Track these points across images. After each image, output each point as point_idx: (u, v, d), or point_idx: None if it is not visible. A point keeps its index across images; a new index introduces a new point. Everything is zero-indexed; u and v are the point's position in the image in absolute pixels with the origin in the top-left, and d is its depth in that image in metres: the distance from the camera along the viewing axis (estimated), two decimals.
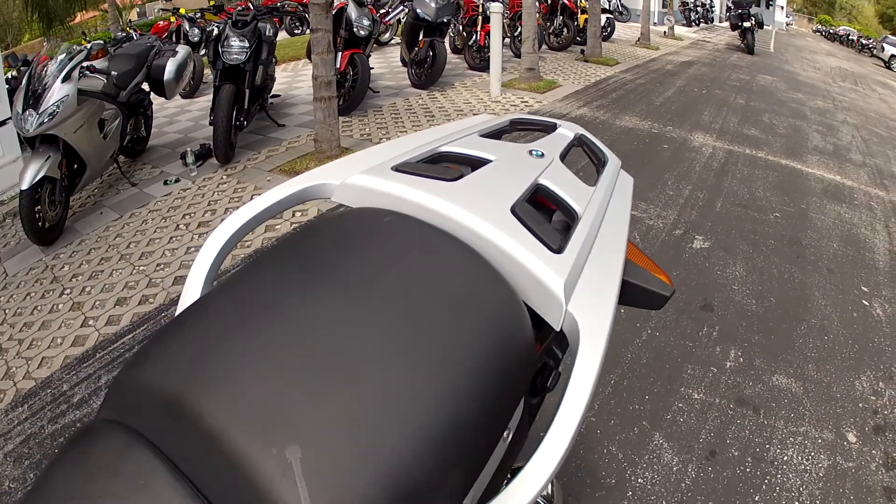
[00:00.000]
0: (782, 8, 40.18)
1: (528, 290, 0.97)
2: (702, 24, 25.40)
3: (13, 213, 5.27)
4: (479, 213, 1.04)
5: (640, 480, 2.25)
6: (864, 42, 33.38)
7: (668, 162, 5.86)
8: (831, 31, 41.21)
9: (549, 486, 1.23)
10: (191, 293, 1.05)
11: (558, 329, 0.95)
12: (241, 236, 1.14)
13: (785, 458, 2.42)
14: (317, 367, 0.78)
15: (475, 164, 1.23)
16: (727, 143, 6.71)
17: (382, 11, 9.22)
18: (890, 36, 31.08)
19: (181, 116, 7.93)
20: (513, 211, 1.06)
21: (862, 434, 2.59)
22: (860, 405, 2.77)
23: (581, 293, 0.97)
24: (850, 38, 35.74)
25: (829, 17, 53.92)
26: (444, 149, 1.30)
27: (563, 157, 1.34)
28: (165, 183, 5.49)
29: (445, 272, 0.95)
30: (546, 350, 1.07)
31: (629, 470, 2.29)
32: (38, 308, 3.70)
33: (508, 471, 0.85)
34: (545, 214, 1.15)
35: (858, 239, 4.67)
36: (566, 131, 1.47)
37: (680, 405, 2.66)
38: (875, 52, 29.79)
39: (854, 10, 56.89)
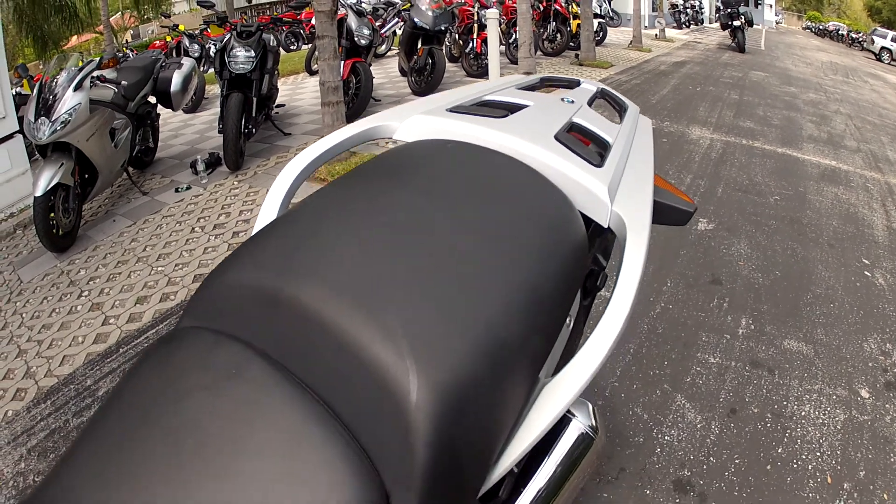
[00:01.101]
0: (771, 6, 40.30)
1: (576, 196, 1.10)
2: (692, 26, 25.53)
3: (24, 225, 5.32)
4: (528, 139, 1.16)
5: (666, 438, 2.30)
6: (853, 36, 33.45)
7: (667, 154, 5.92)
8: (821, 27, 41.30)
9: (594, 418, 1.27)
10: (266, 216, 1.12)
11: (606, 226, 1.08)
12: (312, 169, 1.24)
13: (803, 413, 2.47)
14: (410, 253, 0.87)
15: (515, 108, 1.34)
16: (724, 135, 6.77)
17: (379, 23, 9.32)
18: (879, 28, 31.18)
19: (185, 130, 7.99)
20: (556, 137, 1.19)
21: (874, 390, 2.64)
22: (870, 364, 2.82)
23: (622, 196, 1.11)
24: (840, 33, 35.79)
25: (818, 13, 53.93)
26: (487, 97, 1.40)
27: (589, 104, 1.44)
28: (177, 190, 5.54)
29: (508, 182, 1.08)
30: (592, 256, 1.15)
31: (655, 429, 2.34)
32: (56, 310, 3.73)
33: (571, 356, 0.91)
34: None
35: (857, 217, 4.73)
36: (589, 86, 1.59)
37: (698, 369, 2.71)
38: (865, 45, 29.92)
39: (843, 4, 56.93)
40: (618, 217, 1.07)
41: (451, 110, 1.31)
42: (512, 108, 1.35)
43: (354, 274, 0.82)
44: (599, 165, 1.15)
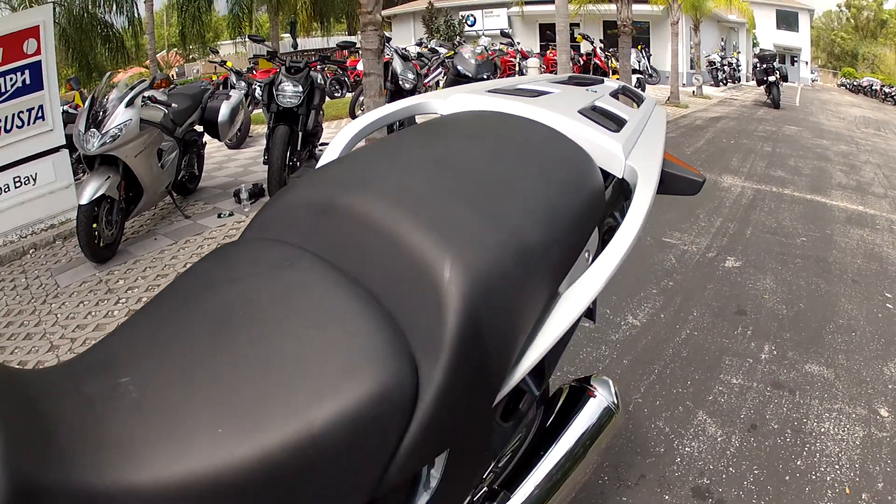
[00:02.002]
0: (807, 63, 40.11)
1: (596, 153, 1.25)
2: (729, 84, 25.52)
3: (64, 236, 5.38)
4: (556, 112, 1.34)
5: (686, 449, 2.34)
6: (886, 91, 32.89)
7: (699, 199, 5.94)
8: (855, 83, 40.80)
9: (616, 395, 1.39)
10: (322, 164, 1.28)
11: (621, 175, 1.24)
12: (368, 132, 1.44)
13: (822, 429, 2.49)
14: (448, 173, 1.06)
15: (545, 93, 1.56)
16: (755, 183, 6.81)
17: (424, 71, 9.58)
18: None
19: (229, 164, 8.10)
20: (579, 112, 1.36)
21: (894, 410, 2.64)
22: (890, 387, 2.84)
23: (635, 153, 1.27)
24: (874, 88, 35.25)
25: (852, 69, 53.42)
26: (520, 86, 1.58)
27: (612, 96, 1.61)
28: (219, 216, 5.62)
29: (536, 139, 1.26)
30: (609, 207, 1.32)
31: (676, 441, 2.38)
32: (93, 313, 3.76)
33: None
34: None
35: (881, 256, 4.73)
36: (611, 83, 1.74)
37: (720, 388, 2.74)
38: None
39: (876, 59, 56.45)
40: (631, 169, 1.23)
41: (490, 91, 1.51)
42: (542, 93, 1.53)
43: (398, 185, 0.98)
44: (616, 132, 1.31)
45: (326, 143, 8.36)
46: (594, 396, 1.38)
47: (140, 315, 0.83)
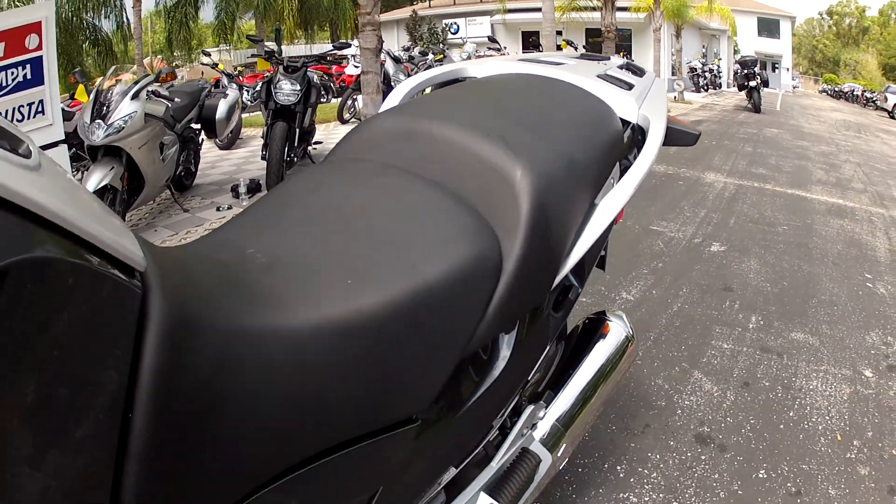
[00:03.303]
0: (788, 70, 40.37)
1: (615, 105, 1.43)
2: (710, 90, 25.70)
3: None
4: (579, 75, 1.52)
5: (686, 402, 2.46)
6: (867, 96, 32.89)
7: (683, 193, 6.11)
8: (836, 89, 40.93)
9: (630, 327, 1.60)
10: None
11: (636, 121, 1.42)
12: (413, 93, 1.59)
13: (811, 386, 2.62)
14: (502, 108, 1.26)
15: (564, 64, 1.67)
16: (737, 179, 6.95)
17: (415, 71, 9.71)
18: (892, 85, 30.51)
19: (222, 163, 8.09)
20: (597, 76, 1.53)
21: (877, 371, 2.79)
22: (872, 352, 2.97)
23: (646, 105, 1.46)
24: (855, 93, 35.25)
25: (833, 75, 53.83)
26: (542, 59, 1.76)
27: (618, 68, 1.74)
28: (218, 209, 5.64)
29: (566, 93, 1.43)
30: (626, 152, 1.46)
31: (675, 396, 2.50)
32: None
33: None
34: None
35: (861, 242, 4.88)
36: (617, 59, 1.89)
37: (713, 352, 2.87)
38: (879, 103, 29.18)
39: (858, 65, 56.97)
40: (644, 116, 1.42)
41: (520, 60, 1.70)
42: (562, 64, 1.69)
43: (468, 116, 1.17)
44: (629, 90, 1.50)
45: (320, 142, 8.49)
46: (611, 328, 1.57)
47: (240, 216, 0.96)
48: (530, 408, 1.38)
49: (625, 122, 1.43)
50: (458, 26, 30.52)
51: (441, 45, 25.76)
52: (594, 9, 15.46)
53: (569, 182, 1.09)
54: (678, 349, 2.88)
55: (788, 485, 2.04)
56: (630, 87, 1.55)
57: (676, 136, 1.55)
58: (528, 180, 0.97)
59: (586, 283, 1.40)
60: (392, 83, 7.86)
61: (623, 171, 1.39)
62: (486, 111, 1.25)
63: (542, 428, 1.38)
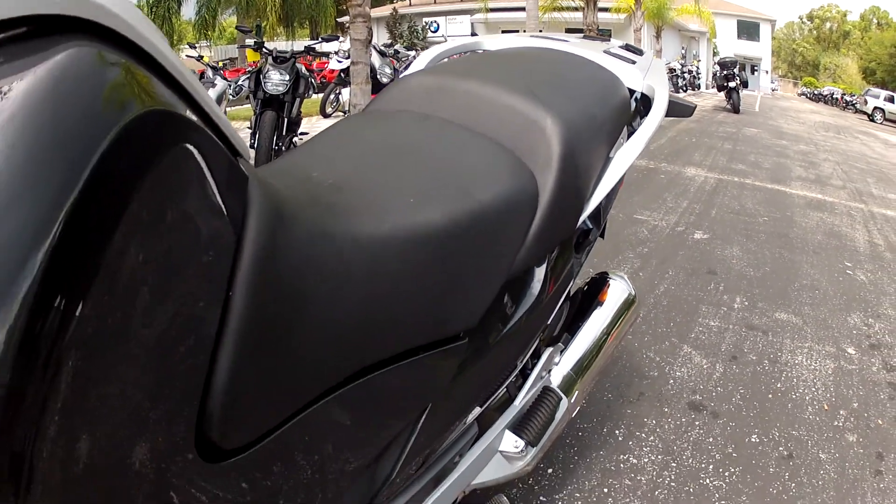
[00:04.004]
0: (767, 72, 40.71)
1: (622, 76, 1.51)
2: (689, 91, 25.83)
3: None
4: (587, 49, 1.61)
5: (677, 373, 2.52)
6: (847, 99, 33.16)
7: (665, 185, 6.19)
8: (815, 92, 41.19)
9: (632, 287, 1.67)
10: None
11: (642, 90, 1.51)
12: (433, 63, 1.66)
13: (796, 361, 2.70)
14: (529, 74, 1.33)
15: (570, 42, 1.75)
16: (717, 174, 7.04)
17: (402, 67, 9.78)
18: (872, 88, 30.83)
19: None
20: (604, 51, 1.62)
21: (860, 349, 2.87)
22: (854, 332, 3.06)
23: (650, 75, 1.55)
24: (834, 96, 35.57)
25: (813, 79, 54.30)
26: (549, 36, 1.85)
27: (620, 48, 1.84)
28: None
29: (580, 64, 1.51)
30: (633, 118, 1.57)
31: (667, 367, 2.56)
32: None
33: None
34: None
35: (840, 234, 4.99)
36: (617, 41, 1.97)
37: (701, 329, 2.94)
38: (858, 106, 29.35)
39: (838, 69, 57.53)
40: (648, 86, 1.51)
41: (532, 37, 1.79)
42: (567, 42, 1.77)
43: (497, 75, 1.26)
44: (633, 64, 1.59)
45: (307, 133, 8.51)
46: (616, 286, 1.66)
47: (293, 153, 1.03)
48: (548, 351, 1.45)
49: (630, 92, 1.51)
50: (438, 25, 30.65)
51: (421, 42, 25.85)
52: (576, 8, 15.60)
53: (590, 132, 1.17)
54: (667, 325, 2.94)
55: (780, 448, 2.10)
56: (633, 62, 1.63)
57: (675, 108, 1.64)
58: (557, 128, 1.06)
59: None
60: (378, 76, 7.91)
61: (630, 136, 1.47)
62: (510, 72, 1.33)
63: (558, 373, 1.46)
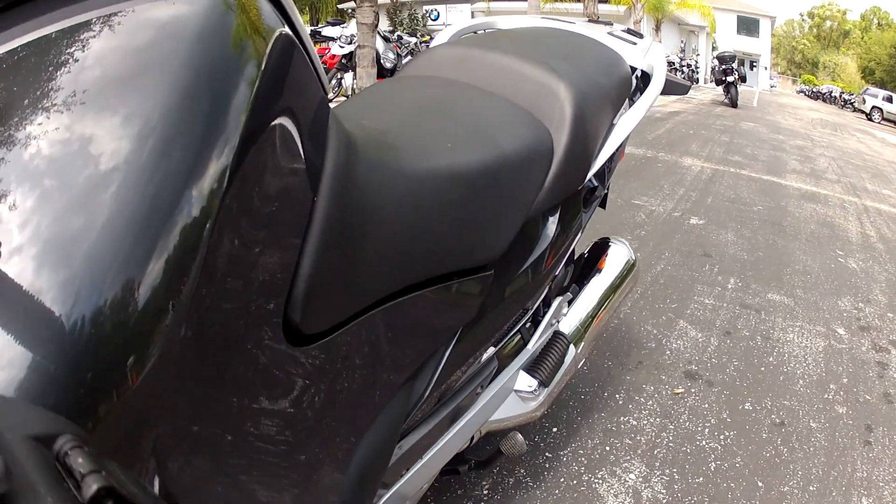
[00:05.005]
0: (766, 69, 40.65)
1: (623, 54, 1.61)
2: None
3: None
4: (592, 30, 1.72)
5: (674, 345, 2.61)
6: (846, 98, 33.17)
7: (663, 173, 6.26)
8: (814, 89, 41.09)
9: (633, 253, 1.74)
10: None
11: (643, 67, 1.63)
12: (455, 38, 1.76)
13: (788, 338, 2.79)
14: (542, 48, 1.43)
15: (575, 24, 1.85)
16: (714, 164, 7.12)
17: (405, 53, 9.86)
18: (871, 87, 30.72)
19: None
20: (607, 33, 1.72)
21: (850, 330, 2.97)
22: (844, 314, 3.16)
23: (649, 55, 1.66)
24: (833, 94, 35.52)
25: (812, 76, 54.23)
26: (558, 19, 1.92)
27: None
28: None
29: (587, 42, 1.61)
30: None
31: (664, 339, 2.65)
32: None
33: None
34: None
35: (833, 224, 5.09)
36: (620, 25, 2.04)
37: (696, 306, 3.03)
38: (857, 105, 29.38)
39: (837, 67, 57.50)
40: (648, 64, 1.63)
41: (542, 18, 1.90)
42: (573, 24, 1.89)
43: (513, 48, 1.37)
44: (635, 45, 1.70)
45: None
46: (617, 249, 1.78)
47: (339, 106, 1.14)
48: (558, 300, 1.58)
49: (632, 70, 1.62)
50: (438, 13, 30.61)
51: (424, 28, 25.90)
52: (577, 0, 15.65)
53: (597, 100, 1.29)
54: (664, 302, 3.03)
55: (773, 416, 2.19)
56: (635, 43, 1.73)
57: (671, 86, 1.76)
58: (569, 93, 1.18)
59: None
60: (382, 61, 7.99)
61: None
62: (526, 45, 1.44)
63: (566, 323, 1.58)
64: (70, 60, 0.49)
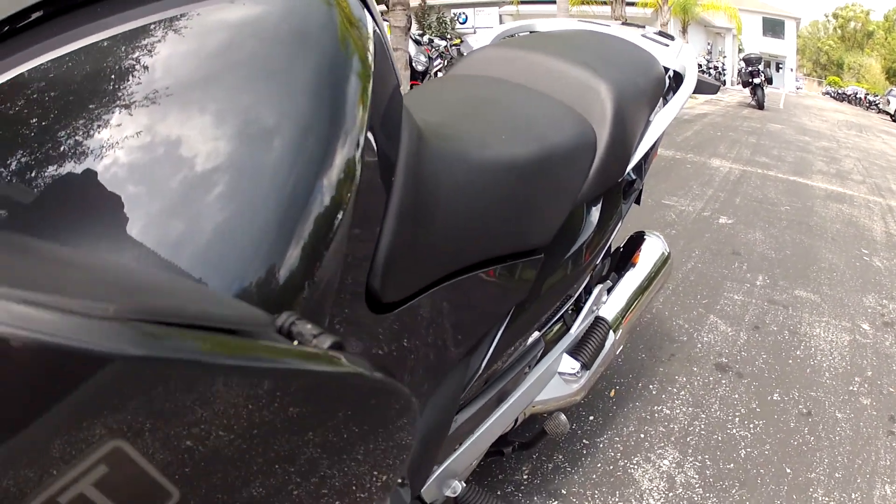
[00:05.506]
0: (792, 70, 40.05)
1: (656, 55, 1.68)
2: None
3: None
4: (626, 33, 1.80)
5: (705, 339, 2.69)
6: (871, 99, 32.48)
7: (691, 174, 6.29)
8: (839, 91, 40.40)
9: (667, 246, 1.84)
10: None
11: (675, 68, 1.70)
12: (497, 40, 1.84)
13: (815, 332, 2.86)
14: (580, 51, 1.50)
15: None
16: (741, 166, 7.11)
17: (436, 56, 9.97)
18: (895, 89, 30.30)
19: None
20: (641, 35, 1.80)
21: (874, 325, 3.02)
22: (869, 310, 3.20)
23: (681, 55, 1.73)
24: (858, 96, 34.84)
25: (837, 78, 53.39)
26: (594, 21, 2.00)
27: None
28: None
29: (622, 43, 1.69)
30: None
31: (695, 333, 2.73)
32: None
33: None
34: None
35: (858, 224, 5.10)
36: (651, 28, 2.13)
37: (725, 301, 3.10)
38: (881, 106, 28.88)
39: (862, 69, 56.57)
40: (681, 65, 1.70)
41: (579, 21, 1.98)
42: (608, 26, 1.98)
43: (558, 49, 1.45)
44: (667, 46, 1.78)
45: None
46: (653, 242, 1.87)
47: None
48: (598, 287, 1.69)
49: (665, 70, 1.70)
50: (466, 16, 30.61)
51: (453, 31, 25.99)
52: (604, 2, 15.64)
53: (635, 98, 1.37)
54: (694, 297, 3.11)
55: (800, 406, 2.27)
56: (667, 45, 1.81)
57: (702, 86, 1.84)
58: (610, 92, 1.27)
59: None
60: (413, 63, 8.10)
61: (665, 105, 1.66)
62: (567, 47, 1.53)
63: (606, 310, 1.68)
64: (206, 50, 0.56)
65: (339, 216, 0.59)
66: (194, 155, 0.50)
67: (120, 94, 0.50)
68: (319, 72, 0.60)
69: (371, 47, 0.68)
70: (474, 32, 19.76)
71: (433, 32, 25.91)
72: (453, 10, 30.82)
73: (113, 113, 0.49)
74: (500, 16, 28.54)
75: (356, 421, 0.41)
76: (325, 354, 0.39)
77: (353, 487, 0.44)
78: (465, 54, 1.55)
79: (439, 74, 10.72)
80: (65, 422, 0.28)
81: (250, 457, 0.36)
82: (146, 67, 0.52)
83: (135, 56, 0.53)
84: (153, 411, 0.31)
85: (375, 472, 0.45)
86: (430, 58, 8.65)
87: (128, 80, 0.51)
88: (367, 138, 0.64)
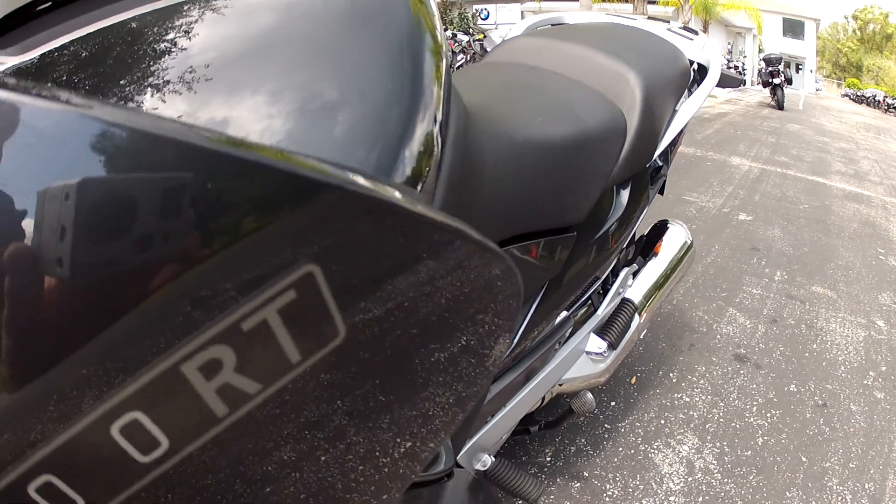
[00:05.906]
0: (812, 72, 39.66)
1: (682, 48, 1.71)
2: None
3: None
4: (652, 26, 1.83)
5: (724, 330, 2.72)
6: (889, 102, 32.26)
7: (711, 171, 6.28)
8: (858, 93, 40.05)
9: (690, 236, 1.88)
10: None
11: (699, 61, 1.73)
12: (528, 30, 1.88)
13: (831, 327, 2.88)
14: (608, 41, 1.53)
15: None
16: (761, 164, 7.09)
17: (459, 51, 9.99)
18: None
19: None
20: (666, 29, 1.83)
21: (889, 323, 3.04)
22: (884, 308, 3.22)
23: (706, 48, 1.76)
24: (877, 98, 34.51)
25: (856, 80, 52.83)
26: (619, 15, 2.02)
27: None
28: None
29: (649, 37, 1.72)
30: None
31: (714, 325, 2.76)
32: None
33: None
34: None
35: (875, 223, 5.09)
36: (676, 23, 2.13)
37: (744, 295, 3.13)
38: None
39: (881, 71, 55.94)
40: (705, 58, 1.73)
41: (606, 14, 2.04)
42: (635, 20, 2.01)
43: (587, 40, 1.49)
44: (692, 40, 1.81)
45: None
46: (676, 230, 1.91)
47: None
48: (625, 270, 1.73)
49: (690, 62, 1.74)
50: (488, 13, 30.53)
51: (471, 29, 25.98)
52: (626, 0, 15.59)
53: (662, 87, 1.41)
54: (714, 290, 3.14)
55: (816, 398, 2.30)
56: (692, 39, 1.85)
57: (726, 80, 1.88)
58: (639, 81, 1.31)
59: None
60: None
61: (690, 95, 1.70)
62: (598, 38, 1.56)
63: (631, 292, 1.72)
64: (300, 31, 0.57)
65: (419, 188, 0.62)
66: (289, 123, 0.50)
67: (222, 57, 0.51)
68: (401, 49, 0.63)
69: (438, 25, 0.71)
70: (496, 28, 19.71)
71: (455, 27, 25.91)
72: (475, 6, 30.75)
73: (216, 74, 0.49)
74: (522, 12, 28.47)
75: (468, 283, 0.46)
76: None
77: (453, 368, 0.48)
78: (488, 50, 1.56)
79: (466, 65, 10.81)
80: (268, 243, 0.32)
81: (398, 313, 0.41)
82: (229, 36, 0.52)
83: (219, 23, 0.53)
84: (351, 243, 0.35)
85: (481, 350, 0.49)
86: (453, 52, 8.67)
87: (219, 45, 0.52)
88: (444, 113, 0.66)
